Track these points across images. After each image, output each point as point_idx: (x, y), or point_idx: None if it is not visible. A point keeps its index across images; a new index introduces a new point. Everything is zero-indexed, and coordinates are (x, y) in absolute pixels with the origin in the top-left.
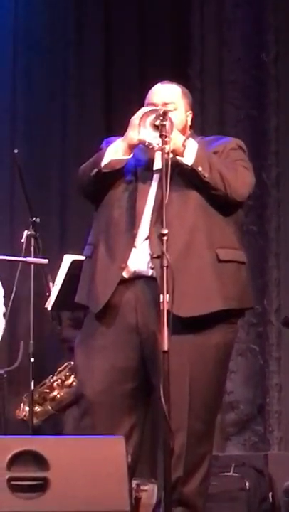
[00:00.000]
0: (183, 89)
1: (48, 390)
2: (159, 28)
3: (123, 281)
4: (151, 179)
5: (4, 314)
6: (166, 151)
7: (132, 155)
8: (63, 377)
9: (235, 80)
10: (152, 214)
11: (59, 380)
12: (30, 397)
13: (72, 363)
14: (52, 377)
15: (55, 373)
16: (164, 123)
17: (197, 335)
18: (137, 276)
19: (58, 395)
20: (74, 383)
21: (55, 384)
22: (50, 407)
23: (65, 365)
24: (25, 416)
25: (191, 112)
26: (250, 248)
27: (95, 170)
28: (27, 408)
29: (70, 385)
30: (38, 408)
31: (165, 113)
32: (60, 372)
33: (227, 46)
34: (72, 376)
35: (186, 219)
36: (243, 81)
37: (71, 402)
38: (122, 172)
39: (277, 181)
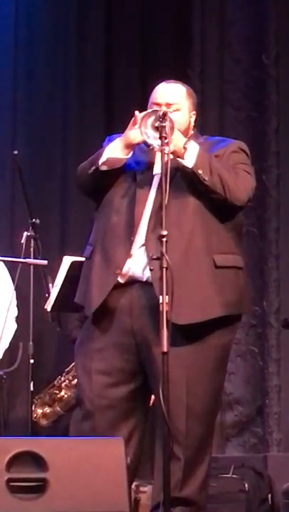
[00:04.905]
0: (188, 89)
1: (57, 391)
2: (159, 29)
3: (118, 286)
4: (150, 184)
5: (16, 318)
6: (166, 152)
7: (130, 155)
8: (71, 378)
9: (236, 81)
10: (150, 220)
11: (67, 381)
12: (30, 398)
13: None
14: (60, 378)
15: (64, 374)
16: (164, 124)
17: (195, 339)
18: (132, 281)
19: (65, 395)
20: None
21: (63, 385)
22: (58, 408)
23: (73, 364)
24: (36, 417)
25: (195, 112)
26: (250, 249)
27: (93, 168)
28: (39, 410)
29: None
30: (47, 409)
31: (165, 114)
32: (68, 372)
33: (227, 47)
34: None
35: (184, 225)
36: (244, 82)
37: (76, 403)
38: (120, 172)
39: (277, 183)
